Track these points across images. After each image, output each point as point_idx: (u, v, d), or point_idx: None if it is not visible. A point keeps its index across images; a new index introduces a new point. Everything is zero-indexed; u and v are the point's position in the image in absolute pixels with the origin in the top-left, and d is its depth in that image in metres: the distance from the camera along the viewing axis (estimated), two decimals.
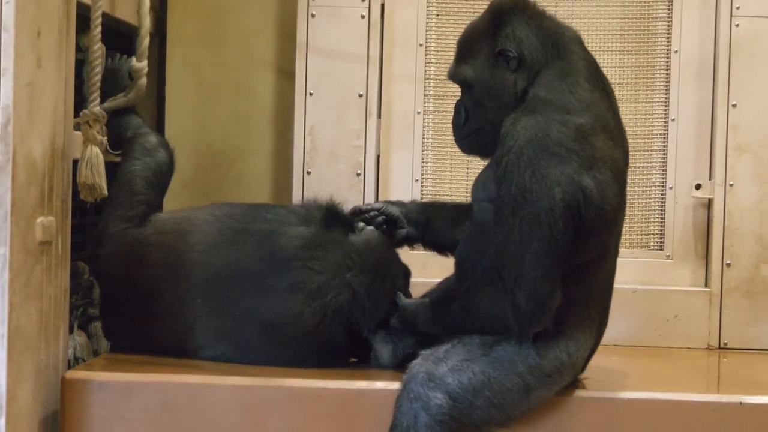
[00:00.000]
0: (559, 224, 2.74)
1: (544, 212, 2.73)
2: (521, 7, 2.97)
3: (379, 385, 2.95)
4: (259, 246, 3.11)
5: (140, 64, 3.40)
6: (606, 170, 2.82)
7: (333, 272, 3.07)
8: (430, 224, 3.27)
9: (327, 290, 3.06)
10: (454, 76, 3.04)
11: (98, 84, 3.20)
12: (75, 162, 3.11)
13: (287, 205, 3.32)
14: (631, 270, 3.78)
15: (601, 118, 2.87)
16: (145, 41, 3.42)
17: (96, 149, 3.14)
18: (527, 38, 2.93)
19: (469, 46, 3.02)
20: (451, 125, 3.08)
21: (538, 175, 2.74)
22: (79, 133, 3.14)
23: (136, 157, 3.30)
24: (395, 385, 2.87)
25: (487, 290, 2.83)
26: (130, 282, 3.19)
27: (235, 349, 3.12)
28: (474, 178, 3.12)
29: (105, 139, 3.23)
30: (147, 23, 3.41)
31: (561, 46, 2.94)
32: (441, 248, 3.28)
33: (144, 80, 3.40)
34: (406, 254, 3.32)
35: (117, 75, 3.39)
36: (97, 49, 3.20)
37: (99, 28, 3.18)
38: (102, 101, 3.26)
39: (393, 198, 3.85)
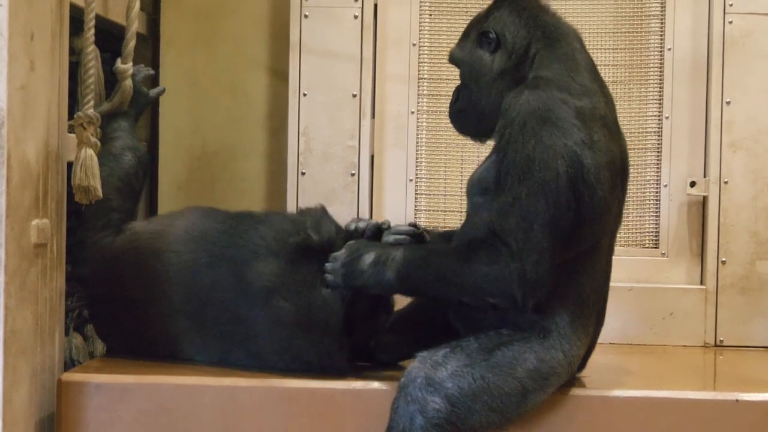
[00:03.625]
0: (563, 198, 2.77)
1: (548, 184, 2.76)
2: None
3: (376, 385, 2.95)
4: (231, 275, 3.08)
5: (124, 66, 3.36)
6: (602, 155, 2.84)
7: (296, 321, 3.02)
8: None
9: (293, 340, 3.02)
10: (449, 57, 3.12)
11: (92, 86, 3.19)
12: (69, 164, 3.11)
13: (264, 221, 3.16)
14: (627, 268, 3.78)
15: (599, 108, 2.90)
16: (131, 43, 3.37)
17: (90, 151, 3.13)
18: (512, 24, 2.98)
19: (467, 30, 3.10)
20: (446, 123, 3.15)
21: (541, 145, 2.77)
22: (74, 135, 3.14)
23: (103, 162, 3.26)
24: (392, 386, 2.87)
25: (486, 251, 2.79)
26: (111, 290, 3.19)
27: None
28: (468, 178, 3.12)
29: (99, 141, 3.22)
30: (134, 25, 3.38)
31: (555, 37, 2.97)
32: None
33: (129, 82, 3.36)
34: None
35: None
36: (91, 51, 3.19)
37: (92, 31, 3.17)
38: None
39: (388, 199, 3.87)
